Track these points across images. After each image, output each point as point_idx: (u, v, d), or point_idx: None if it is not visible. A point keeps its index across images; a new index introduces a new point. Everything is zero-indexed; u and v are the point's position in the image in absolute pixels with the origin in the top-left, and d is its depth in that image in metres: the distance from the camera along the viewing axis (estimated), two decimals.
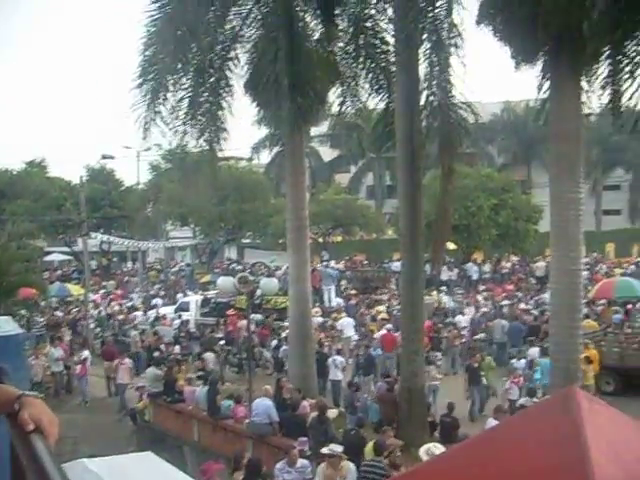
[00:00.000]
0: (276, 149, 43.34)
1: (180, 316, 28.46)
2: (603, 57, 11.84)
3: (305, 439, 13.31)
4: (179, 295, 35.31)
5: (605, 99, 12.33)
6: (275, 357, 22.31)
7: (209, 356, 21.74)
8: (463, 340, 24.15)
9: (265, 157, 57.28)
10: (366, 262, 43.91)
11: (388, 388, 17.10)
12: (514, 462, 4.34)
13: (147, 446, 16.08)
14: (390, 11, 15.79)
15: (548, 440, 4.16)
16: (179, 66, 16.64)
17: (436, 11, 13.00)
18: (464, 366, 19.74)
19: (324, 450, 11.95)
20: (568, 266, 12.43)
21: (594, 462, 3.77)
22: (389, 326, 22.99)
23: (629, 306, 27.00)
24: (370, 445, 12.43)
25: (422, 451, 11.14)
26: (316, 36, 17.88)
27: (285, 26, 15.53)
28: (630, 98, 11.35)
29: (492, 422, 13.41)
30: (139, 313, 30.27)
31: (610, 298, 27.75)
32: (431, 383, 18.17)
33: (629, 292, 27.59)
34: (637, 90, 11.00)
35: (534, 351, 20.24)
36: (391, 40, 16.25)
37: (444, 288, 33.01)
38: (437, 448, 11.06)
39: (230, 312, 27.33)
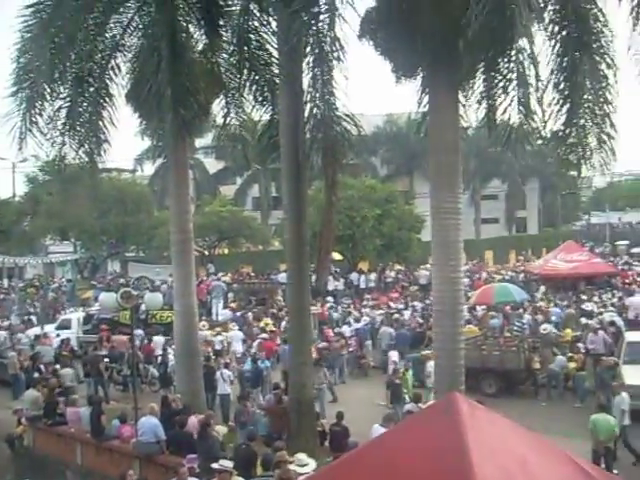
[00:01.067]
0: (160, 161, 42.61)
1: (58, 335, 27.41)
2: (478, 73, 12.35)
3: (194, 456, 13.06)
4: (61, 312, 33.99)
5: (481, 113, 12.82)
6: (162, 373, 21.82)
7: (66, 372, 21.01)
8: (350, 349, 24.48)
9: (149, 169, 56.28)
10: (253, 274, 43.76)
11: (277, 400, 17.07)
12: (401, 468, 4.40)
13: (26, 474, 15.31)
14: (274, 24, 15.86)
15: (432, 445, 4.25)
16: (57, 74, 16.04)
17: (319, 25, 13.14)
18: (386, 383, 19.70)
19: (214, 466, 11.78)
20: (449, 274, 12.81)
21: (475, 464, 3.88)
22: (264, 335, 23.23)
23: (507, 310, 28.18)
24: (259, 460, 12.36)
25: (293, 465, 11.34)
26: (200, 47, 17.72)
27: (168, 36, 15.30)
28: (504, 112, 11.86)
29: (378, 429, 13.60)
30: (21, 334, 28.82)
31: (490, 304, 28.86)
32: (319, 387, 18.28)
33: (507, 297, 28.79)
34: (510, 105, 11.51)
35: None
36: (275, 53, 16.32)
37: (330, 298, 33.36)
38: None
39: (103, 327, 26.69)
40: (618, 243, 68.94)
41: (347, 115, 13.50)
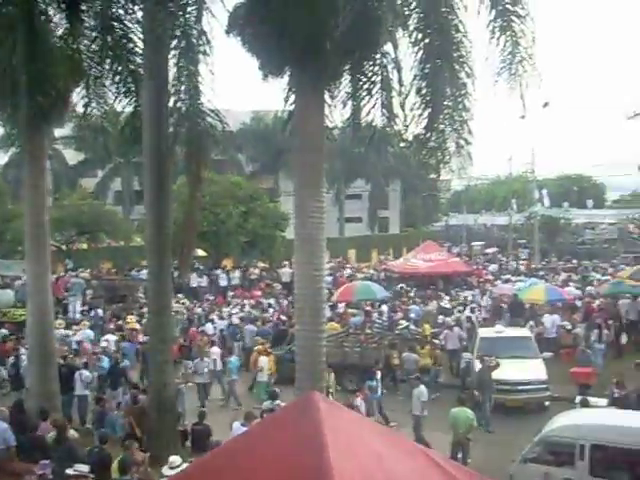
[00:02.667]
0: (13, 150, 40.47)
1: None
2: (345, 74, 12.54)
3: (47, 462, 12.45)
4: None
5: (346, 114, 13.03)
6: (13, 375, 20.72)
7: None
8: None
9: (1, 158, 53.29)
10: (114, 270, 42.42)
11: (133, 400, 16.65)
12: (259, 468, 4.37)
13: None
14: (139, 13, 15.39)
15: (290, 443, 4.26)
16: None
17: (186, 17, 12.89)
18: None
19: (69, 471, 11.34)
20: (311, 271, 12.92)
21: (333, 461, 3.91)
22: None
23: (368, 308, 28.85)
24: (115, 463, 11.97)
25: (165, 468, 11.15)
26: (60, 31, 16.92)
27: (24, 18, 14.50)
28: (368, 114, 12.12)
29: (239, 428, 13.57)
30: None
31: (352, 301, 29.49)
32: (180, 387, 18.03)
33: (369, 295, 29.54)
34: (374, 107, 11.77)
35: None
36: (140, 43, 15.84)
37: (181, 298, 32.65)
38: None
39: None
40: (474, 244, 72.33)
41: (212, 110, 13.33)
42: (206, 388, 21.11)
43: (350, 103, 12.65)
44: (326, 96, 13.35)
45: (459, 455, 15.63)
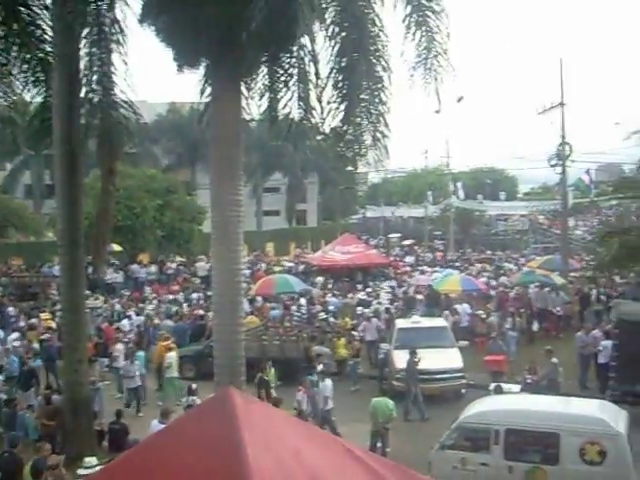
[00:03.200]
0: None
1: None
2: (262, 67, 12.41)
3: None
4: None
5: (263, 106, 12.92)
6: None
7: None
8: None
9: None
10: (24, 267, 40.98)
11: (46, 401, 16.15)
12: (175, 466, 4.29)
13: None
14: None
15: (207, 441, 4.19)
16: None
17: (98, 4, 12.52)
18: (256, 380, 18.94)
19: None
20: (229, 265, 12.78)
21: (250, 458, 3.87)
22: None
23: (286, 301, 28.86)
24: (27, 467, 11.56)
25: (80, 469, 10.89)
26: None
27: None
28: (285, 107, 12.06)
29: (156, 425, 13.35)
30: None
31: (271, 294, 29.43)
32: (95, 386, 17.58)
33: (287, 288, 29.54)
34: (291, 100, 11.73)
35: None
36: (50, 30, 15.28)
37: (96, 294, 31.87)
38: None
39: None
40: (391, 236, 73.28)
41: (126, 101, 13.01)
42: (138, 392, 20.07)
43: (267, 95, 12.55)
44: (243, 88, 13.21)
45: (378, 444, 15.82)
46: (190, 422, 4.75)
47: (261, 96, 13.02)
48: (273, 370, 19.24)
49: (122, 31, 12.11)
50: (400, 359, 20.62)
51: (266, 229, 66.06)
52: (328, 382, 17.74)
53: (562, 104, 33.14)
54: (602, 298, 28.85)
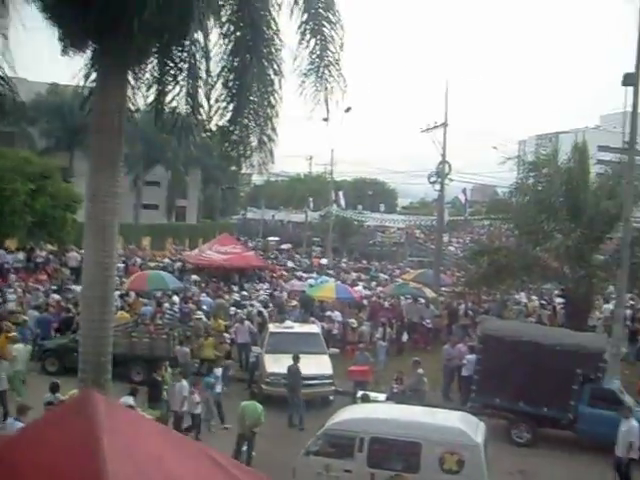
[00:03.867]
0: None
1: None
2: (152, 57, 12.04)
3: None
4: None
5: (150, 98, 12.55)
6: None
7: None
8: None
9: None
10: None
11: None
12: (30, 471, 4.05)
13: None
14: None
15: (64, 445, 3.98)
16: None
17: None
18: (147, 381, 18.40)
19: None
20: (102, 258, 12.28)
21: (108, 464, 3.71)
22: None
23: (160, 299, 28.27)
24: None
25: None
26: None
27: None
28: (172, 101, 11.76)
29: (13, 423, 12.74)
30: None
31: (144, 290, 28.76)
32: None
33: (161, 285, 28.95)
34: (179, 95, 11.45)
35: None
36: None
37: None
38: None
39: None
40: (270, 239, 73.46)
41: (1, 77, 12.26)
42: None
43: (155, 88, 12.19)
44: (130, 77, 12.78)
45: (244, 448, 15.71)
46: (48, 425, 4.49)
47: (148, 87, 12.64)
48: (170, 370, 18.66)
49: (2, 2, 11.39)
50: (270, 363, 20.63)
51: (144, 223, 64.58)
52: (184, 383, 17.39)
53: (445, 124, 34.35)
54: (469, 313, 29.99)
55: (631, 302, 33.59)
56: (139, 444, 3.99)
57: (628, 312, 29.71)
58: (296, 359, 19.57)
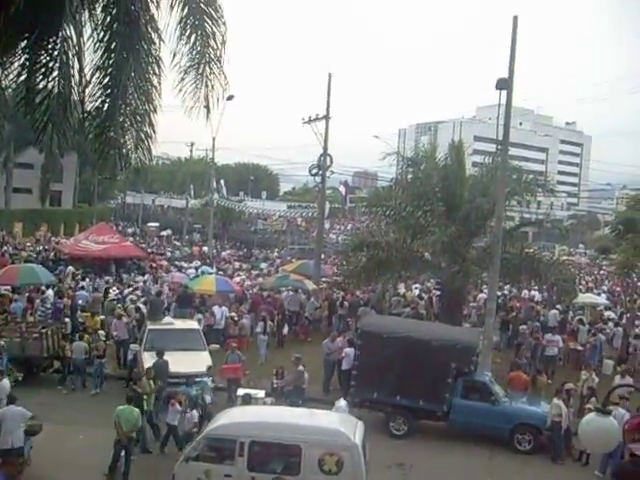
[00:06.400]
0: None
1: None
2: (19, 52, 11.30)
3: None
4: None
5: (21, 93, 11.82)
6: None
7: None
8: None
9: None
10: None
11: None
12: None
13: None
14: None
15: None
16: None
17: None
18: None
19: None
20: None
21: None
22: None
23: (29, 294, 27.02)
24: None
25: None
26: None
27: None
28: (44, 100, 11.11)
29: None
30: None
31: (14, 285, 27.43)
32: None
33: (34, 279, 27.68)
34: (51, 94, 10.82)
35: None
36: None
37: None
38: None
39: None
40: (149, 225, 71.88)
41: None
42: None
43: (24, 82, 11.45)
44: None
45: (122, 453, 15.30)
46: None
47: (18, 79, 11.89)
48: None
49: None
50: (149, 361, 20.14)
51: (15, 208, 61.60)
52: (5, 382, 16.60)
53: (327, 117, 34.46)
54: (345, 304, 30.32)
55: (504, 292, 35.27)
56: None
57: (500, 301, 31.16)
58: (159, 354, 19.22)
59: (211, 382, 19.10)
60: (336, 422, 14.03)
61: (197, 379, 18.88)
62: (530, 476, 16.86)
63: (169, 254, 49.86)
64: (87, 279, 32.09)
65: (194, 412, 16.73)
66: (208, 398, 17.95)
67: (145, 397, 16.97)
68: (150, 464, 15.93)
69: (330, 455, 12.87)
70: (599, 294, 38.87)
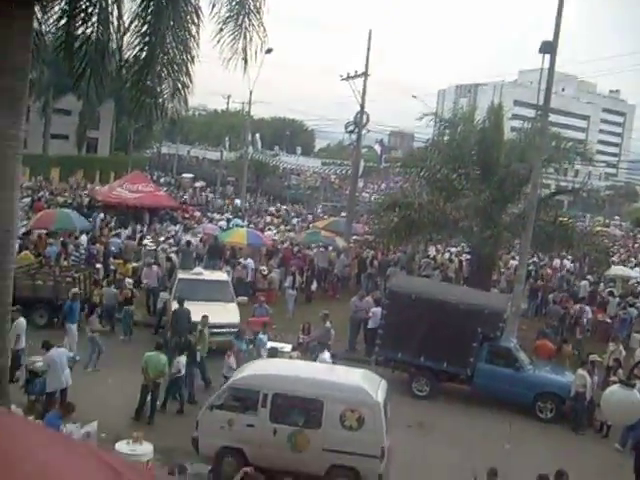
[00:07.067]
0: None
1: None
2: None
3: None
4: None
5: (60, 40, 11.83)
6: None
7: None
8: None
9: None
10: None
11: None
12: None
13: None
14: None
15: None
16: None
17: None
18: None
19: None
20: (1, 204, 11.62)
21: None
22: None
23: (63, 238, 27.33)
24: None
25: None
26: None
27: None
28: (81, 47, 11.11)
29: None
30: None
31: (50, 229, 27.81)
32: None
33: (68, 224, 28.04)
34: (88, 42, 10.84)
35: None
36: None
37: None
38: None
39: None
40: (184, 176, 72.09)
41: None
42: None
43: (63, 30, 11.44)
44: (37, 12, 11.97)
45: (148, 398, 15.64)
46: None
47: (58, 24, 11.89)
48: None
49: None
50: None
51: (52, 154, 62.16)
52: (22, 320, 16.57)
53: (365, 74, 34.09)
54: (375, 263, 30.37)
55: (534, 260, 34.96)
56: (24, 451, 3.81)
57: (531, 268, 30.92)
58: (181, 302, 19.39)
59: (266, 338, 19.10)
60: (359, 379, 14.12)
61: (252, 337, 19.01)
62: (550, 445, 16.88)
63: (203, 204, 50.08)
64: (122, 227, 32.46)
65: None
66: (264, 354, 18.01)
67: (199, 348, 17.32)
68: (176, 410, 16.29)
69: (351, 411, 13.02)
70: (633, 267, 38.32)
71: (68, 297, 19.64)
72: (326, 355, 17.23)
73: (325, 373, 14.72)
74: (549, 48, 20.29)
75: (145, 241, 29.44)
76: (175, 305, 19.87)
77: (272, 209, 52.65)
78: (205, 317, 18.40)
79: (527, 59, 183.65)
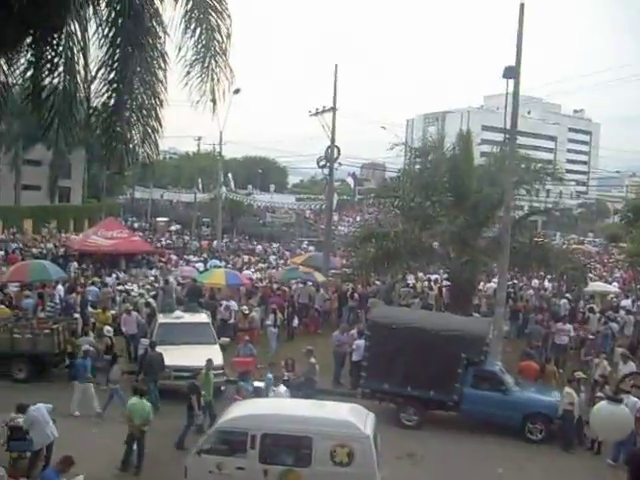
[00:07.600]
0: None
1: None
2: (25, 48, 11.30)
3: None
4: None
5: (28, 91, 11.84)
6: None
7: None
8: None
9: None
10: None
11: None
12: None
13: None
14: None
15: None
16: None
17: None
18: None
19: None
20: None
21: None
22: None
23: (42, 290, 27.06)
24: None
25: None
26: None
27: None
28: (49, 96, 11.11)
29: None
30: None
31: (26, 281, 27.47)
32: None
33: (44, 275, 27.74)
34: (56, 91, 10.83)
35: None
36: None
37: None
38: None
39: None
40: (158, 219, 71.97)
41: None
42: None
43: (30, 80, 11.46)
44: (2, 62, 11.96)
45: (134, 447, 15.37)
46: None
47: (24, 75, 11.90)
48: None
49: None
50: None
51: (25, 205, 61.77)
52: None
53: (334, 108, 34.38)
54: (355, 296, 30.31)
55: (513, 281, 35.16)
56: None
57: (510, 290, 31.07)
58: (153, 345, 19.41)
59: (273, 377, 19.00)
60: (347, 413, 13.99)
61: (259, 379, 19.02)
62: (542, 465, 16.82)
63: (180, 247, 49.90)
64: (97, 276, 32.16)
65: None
66: (272, 392, 17.91)
67: (203, 392, 17.24)
68: (163, 457, 16.00)
69: (341, 446, 12.88)
70: (610, 282, 38.65)
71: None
72: (282, 389, 17.15)
73: (312, 409, 14.55)
74: (512, 73, 20.68)
75: (127, 286, 29.16)
76: (148, 349, 19.74)
77: (249, 247, 52.58)
78: (210, 361, 18.25)
79: (492, 84, 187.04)
